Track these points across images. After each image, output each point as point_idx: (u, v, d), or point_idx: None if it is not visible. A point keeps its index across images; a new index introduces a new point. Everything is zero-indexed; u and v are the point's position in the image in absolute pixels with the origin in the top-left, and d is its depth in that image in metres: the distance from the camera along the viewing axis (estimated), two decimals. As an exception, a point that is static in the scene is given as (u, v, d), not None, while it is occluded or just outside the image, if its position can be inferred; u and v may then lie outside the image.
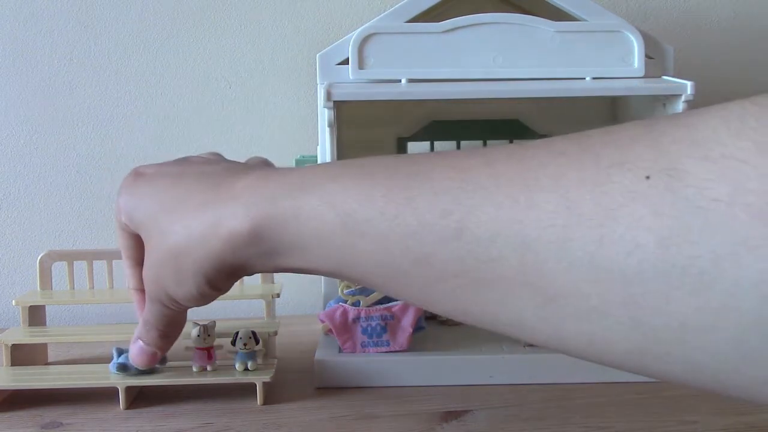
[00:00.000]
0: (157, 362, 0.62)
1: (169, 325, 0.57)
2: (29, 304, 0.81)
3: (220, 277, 0.48)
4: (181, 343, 0.74)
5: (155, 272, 0.51)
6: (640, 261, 0.32)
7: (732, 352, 0.31)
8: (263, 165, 0.54)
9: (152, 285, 0.52)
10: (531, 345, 0.79)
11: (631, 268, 0.32)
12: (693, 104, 0.77)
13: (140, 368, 0.64)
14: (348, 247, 0.41)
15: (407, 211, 0.39)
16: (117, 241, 0.60)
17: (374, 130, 0.96)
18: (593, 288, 0.33)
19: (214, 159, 0.56)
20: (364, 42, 0.81)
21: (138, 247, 0.57)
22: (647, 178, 0.32)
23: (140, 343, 0.60)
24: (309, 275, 0.47)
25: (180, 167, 0.53)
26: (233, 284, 0.51)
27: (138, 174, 0.55)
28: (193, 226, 0.47)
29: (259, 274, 0.86)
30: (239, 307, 1.04)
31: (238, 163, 0.54)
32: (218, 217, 0.46)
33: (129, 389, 0.71)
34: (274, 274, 0.86)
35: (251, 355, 0.73)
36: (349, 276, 0.43)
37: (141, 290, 0.59)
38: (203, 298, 0.51)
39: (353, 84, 0.82)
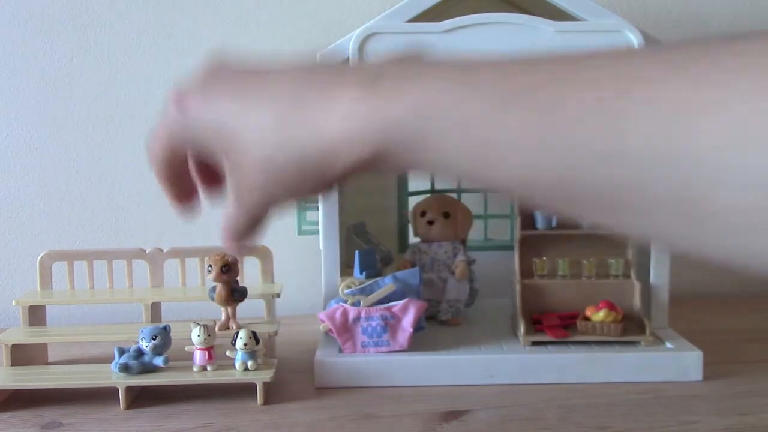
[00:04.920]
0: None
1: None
2: (29, 304, 0.81)
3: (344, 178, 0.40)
4: (181, 343, 0.75)
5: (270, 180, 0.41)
6: None
7: None
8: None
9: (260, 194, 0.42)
10: (532, 345, 0.79)
11: None
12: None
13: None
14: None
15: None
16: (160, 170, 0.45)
17: (374, 130, 0.96)
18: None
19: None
20: (364, 42, 0.81)
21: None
22: None
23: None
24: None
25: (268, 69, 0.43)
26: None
27: (216, 74, 0.43)
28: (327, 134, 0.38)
29: (259, 274, 0.86)
30: (239, 307, 1.04)
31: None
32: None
33: (129, 389, 0.71)
34: (274, 274, 0.87)
35: (251, 355, 0.73)
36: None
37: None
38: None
39: (353, 84, 0.81)
